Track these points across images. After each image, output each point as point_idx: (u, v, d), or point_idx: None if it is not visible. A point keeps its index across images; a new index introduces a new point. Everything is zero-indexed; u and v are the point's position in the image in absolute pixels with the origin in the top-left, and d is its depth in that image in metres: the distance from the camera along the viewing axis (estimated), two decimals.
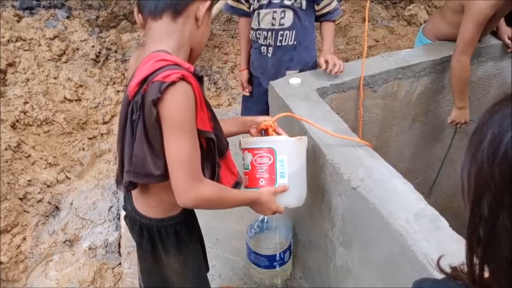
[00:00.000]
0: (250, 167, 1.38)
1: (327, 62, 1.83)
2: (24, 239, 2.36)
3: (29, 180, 2.50)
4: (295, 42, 1.98)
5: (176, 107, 1.03)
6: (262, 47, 2.01)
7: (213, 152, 1.21)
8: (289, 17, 1.91)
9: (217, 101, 3.44)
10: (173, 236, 1.31)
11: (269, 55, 2.01)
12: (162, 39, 1.11)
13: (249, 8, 1.98)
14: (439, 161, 2.42)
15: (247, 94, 2.22)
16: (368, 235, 1.33)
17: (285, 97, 1.79)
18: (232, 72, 3.60)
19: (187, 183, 1.08)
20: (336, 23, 4.22)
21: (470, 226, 0.53)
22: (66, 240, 2.40)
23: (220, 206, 1.25)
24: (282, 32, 1.94)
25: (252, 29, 2.02)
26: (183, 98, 1.03)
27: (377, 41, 4.14)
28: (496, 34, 2.18)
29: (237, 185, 1.37)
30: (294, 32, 1.94)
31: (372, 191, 1.30)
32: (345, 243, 1.50)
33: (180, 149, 1.06)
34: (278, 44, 1.97)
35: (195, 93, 1.06)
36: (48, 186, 2.58)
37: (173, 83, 1.01)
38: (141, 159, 1.11)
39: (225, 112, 3.39)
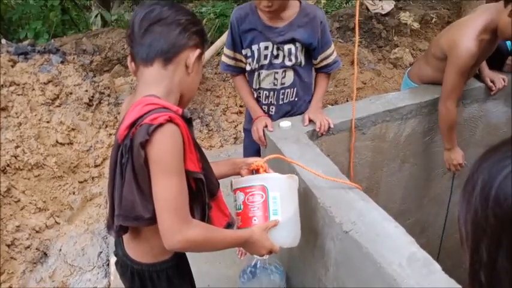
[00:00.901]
0: (242, 206, 1.37)
1: (310, 121, 1.88)
2: (11, 287, 2.29)
3: (18, 226, 2.46)
4: (295, 99, 1.99)
5: (163, 148, 1.04)
6: (264, 106, 2.01)
7: (202, 193, 1.20)
8: (290, 76, 1.93)
9: (209, 143, 3.46)
10: (165, 282, 1.29)
11: (272, 113, 2.01)
12: (153, 85, 1.14)
13: (245, 64, 1.97)
14: (429, 202, 2.44)
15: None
16: (362, 279, 1.32)
17: (276, 140, 1.82)
18: (224, 114, 3.66)
19: (173, 225, 1.07)
20: None
21: (471, 273, 0.54)
22: None
23: (210, 248, 1.22)
24: (283, 91, 1.96)
25: (252, 88, 2.01)
26: (170, 139, 1.05)
27: (364, 83, 4.25)
28: (479, 77, 2.26)
29: (229, 226, 1.36)
30: (295, 89, 1.96)
31: (364, 235, 1.30)
32: None
33: (167, 190, 1.05)
34: (280, 102, 1.99)
35: (183, 135, 1.08)
36: (37, 232, 2.54)
37: (161, 125, 1.03)
38: (130, 202, 1.11)
39: (217, 154, 3.41)
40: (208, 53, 3.52)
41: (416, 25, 5.75)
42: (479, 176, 0.51)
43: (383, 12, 5.88)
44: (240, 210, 1.37)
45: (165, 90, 1.15)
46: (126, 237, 1.30)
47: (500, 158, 0.51)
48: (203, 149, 3.11)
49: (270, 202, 1.35)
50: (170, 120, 1.04)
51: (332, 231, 1.42)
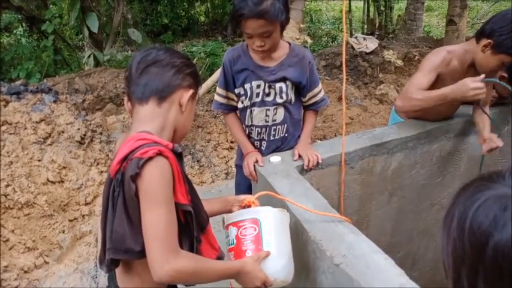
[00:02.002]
0: (235, 241, 1.38)
1: (300, 156, 1.93)
2: None
3: (6, 266, 2.42)
4: (286, 134, 2.06)
5: (152, 180, 1.07)
6: (256, 142, 2.06)
7: (191, 226, 1.21)
8: (281, 113, 2.00)
9: (200, 179, 3.49)
10: None
11: (263, 148, 2.07)
12: (147, 122, 1.20)
13: (237, 102, 2.04)
14: (419, 234, 2.47)
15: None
16: None
17: (267, 175, 1.86)
18: (215, 150, 3.70)
19: (161, 256, 1.07)
20: None
21: None
22: None
23: (199, 279, 1.21)
24: (274, 127, 2.02)
25: (244, 125, 2.06)
26: (159, 171, 1.08)
27: (352, 119, 4.36)
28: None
29: (220, 258, 1.38)
30: (286, 125, 2.03)
31: (354, 267, 1.32)
32: None
33: (155, 221, 1.07)
34: (271, 138, 2.05)
35: (172, 167, 1.11)
36: (25, 272, 2.50)
37: (150, 158, 1.07)
38: (121, 235, 1.13)
39: (208, 189, 3.43)
40: (200, 91, 3.60)
41: (400, 62, 5.97)
42: (456, 210, 0.56)
43: (367, 51, 6.11)
44: (233, 245, 1.38)
45: (159, 127, 1.20)
46: (118, 272, 1.30)
47: (473, 192, 0.56)
48: (194, 185, 3.14)
49: (263, 234, 1.36)
50: (160, 154, 1.08)
51: (323, 264, 1.43)
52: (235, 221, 1.41)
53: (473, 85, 1.84)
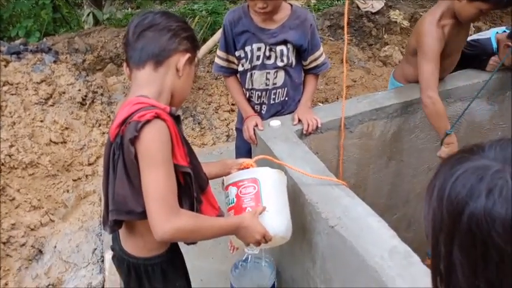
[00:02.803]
0: (235, 199, 1.41)
1: (299, 120, 1.94)
2: (6, 284, 2.33)
3: (13, 224, 2.50)
4: (286, 98, 2.05)
5: (150, 142, 1.10)
6: (256, 106, 2.06)
7: (190, 187, 1.24)
8: (281, 76, 1.98)
9: (201, 141, 3.51)
10: (160, 275, 1.35)
11: (263, 112, 2.07)
12: (144, 86, 1.21)
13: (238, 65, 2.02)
14: (416, 197, 2.51)
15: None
16: (347, 272, 1.39)
17: (266, 139, 1.88)
18: (217, 112, 3.71)
19: (162, 215, 1.10)
20: None
21: (432, 264, 0.62)
22: (49, 285, 2.38)
23: (200, 236, 1.25)
24: (275, 91, 2.01)
25: (244, 88, 2.05)
26: (157, 133, 1.10)
27: (354, 81, 4.32)
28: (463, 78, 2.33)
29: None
30: (286, 89, 2.02)
31: (348, 229, 1.36)
32: (326, 281, 1.54)
33: (154, 182, 1.10)
34: (272, 101, 2.04)
35: (170, 130, 1.13)
36: (32, 230, 2.58)
37: (148, 121, 1.09)
38: (122, 197, 1.17)
39: (209, 151, 3.46)
40: (201, 51, 3.56)
41: (406, 23, 5.82)
42: (437, 181, 0.59)
43: (373, 11, 5.95)
44: (233, 204, 1.42)
45: (156, 91, 1.21)
46: (122, 233, 1.35)
47: (453, 163, 0.58)
48: (196, 147, 3.17)
49: (262, 192, 1.40)
50: (157, 116, 1.10)
51: (319, 226, 1.48)
52: (235, 181, 1.44)
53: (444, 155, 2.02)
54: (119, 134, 1.13)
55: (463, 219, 0.54)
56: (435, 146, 2.44)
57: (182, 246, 1.46)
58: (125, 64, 1.27)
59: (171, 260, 1.39)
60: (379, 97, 2.18)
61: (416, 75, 2.21)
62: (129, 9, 9.40)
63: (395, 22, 5.79)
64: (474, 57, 2.31)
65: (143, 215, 1.15)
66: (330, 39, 5.40)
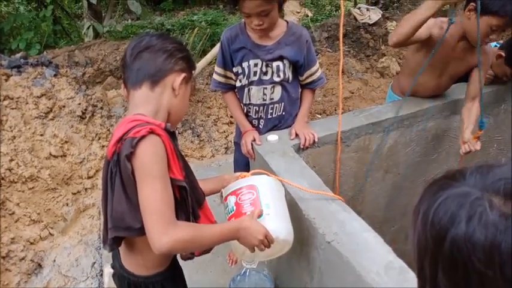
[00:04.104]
0: (234, 207, 1.42)
1: (296, 135, 1.97)
2: None
3: (12, 238, 2.51)
4: (283, 113, 2.07)
5: (146, 157, 1.11)
6: (254, 120, 2.09)
7: (186, 202, 1.25)
8: (278, 91, 2.01)
9: (200, 153, 3.54)
10: None
11: (261, 126, 2.09)
12: (141, 105, 1.23)
13: (235, 81, 2.05)
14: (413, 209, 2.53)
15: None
16: (344, 287, 1.40)
17: (264, 153, 1.90)
18: (215, 125, 3.73)
19: (159, 228, 1.10)
20: None
21: (419, 286, 0.64)
22: None
23: (199, 245, 1.24)
24: (272, 106, 2.04)
25: (242, 103, 2.08)
26: (152, 148, 1.12)
27: (352, 93, 4.36)
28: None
29: None
30: (283, 103, 2.05)
31: (345, 245, 1.38)
32: None
33: (151, 195, 1.11)
34: (269, 116, 2.07)
35: (165, 145, 1.15)
36: (31, 244, 2.59)
37: (143, 136, 1.11)
38: (120, 214, 1.18)
39: (208, 164, 3.48)
40: (199, 65, 3.61)
41: None
42: (421, 206, 0.61)
43: (370, 22, 6.01)
44: (233, 212, 1.41)
45: (153, 110, 1.23)
46: (122, 250, 1.37)
47: (436, 189, 0.60)
48: (195, 159, 3.17)
49: (261, 197, 1.41)
50: (152, 132, 1.12)
51: (316, 241, 1.50)
52: (233, 190, 1.46)
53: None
54: (116, 151, 1.15)
55: (445, 244, 0.56)
56: (431, 159, 2.47)
57: (181, 261, 1.48)
58: (122, 85, 1.30)
59: (172, 277, 1.40)
60: (375, 111, 2.21)
61: (415, 90, 2.24)
62: (129, 21, 9.50)
63: None
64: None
65: (141, 231, 1.16)
66: (328, 51, 5.45)
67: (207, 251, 1.39)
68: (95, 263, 2.57)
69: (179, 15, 10.72)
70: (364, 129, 2.12)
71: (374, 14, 6.17)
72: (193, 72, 1.36)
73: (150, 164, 1.11)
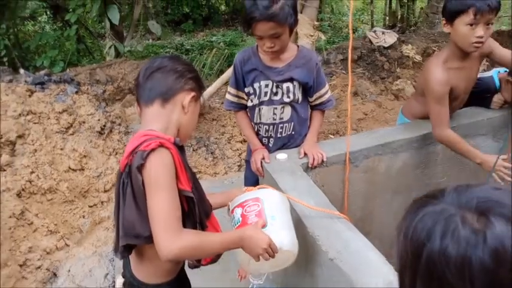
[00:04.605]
0: (240, 219, 1.47)
1: (305, 154, 2.03)
2: None
3: (30, 247, 2.60)
4: (293, 132, 2.15)
5: (155, 168, 1.19)
6: (264, 139, 2.16)
7: (193, 213, 1.32)
8: (287, 112, 2.09)
9: (213, 170, 3.61)
10: None
11: (270, 145, 2.17)
12: (153, 122, 1.32)
13: (247, 101, 2.13)
14: None
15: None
16: None
17: (272, 171, 1.96)
18: (229, 142, 3.81)
19: (166, 236, 1.16)
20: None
21: None
22: None
23: (204, 252, 1.30)
24: (281, 125, 2.11)
25: (253, 122, 2.16)
26: (161, 160, 1.20)
27: (366, 114, 4.40)
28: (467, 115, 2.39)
29: None
30: (292, 123, 2.12)
31: (347, 263, 1.41)
32: None
33: (159, 204, 1.18)
34: (278, 135, 2.14)
35: (174, 157, 1.23)
36: (48, 253, 2.67)
37: (153, 150, 1.19)
38: (130, 222, 1.25)
39: (221, 180, 3.55)
40: (215, 84, 3.71)
41: (418, 58, 5.92)
42: (403, 224, 0.66)
43: (386, 45, 6.08)
44: (239, 223, 1.47)
45: (163, 126, 1.32)
46: (132, 260, 1.43)
47: (416, 208, 0.65)
48: (208, 176, 3.26)
49: (266, 209, 1.46)
50: (161, 145, 1.20)
51: (319, 258, 1.53)
52: (240, 203, 1.51)
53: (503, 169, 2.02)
54: (128, 163, 1.23)
55: (422, 258, 0.61)
56: (441, 182, 2.48)
57: (190, 275, 1.53)
58: (135, 103, 1.39)
59: (180, 286, 1.46)
60: (385, 133, 2.25)
61: (423, 113, 2.29)
62: (150, 41, 9.78)
63: (408, 56, 5.89)
64: (477, 94, 2.37)
65: (150, 239, 1.22)
66: (343, 73, 5.53)
67: (213, 260, 1.45)
68: (107, 274, 2.63)
69: (199, 35, 11.00)
70: (373, 150, 2.16)
71: (389, 38, 6.24)
72: (202, 91, 1.44)
73: (158, 175, 1.19)
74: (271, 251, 1.34)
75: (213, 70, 6.41)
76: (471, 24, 1.90)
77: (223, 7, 12.86)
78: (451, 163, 2.42)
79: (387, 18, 10.36)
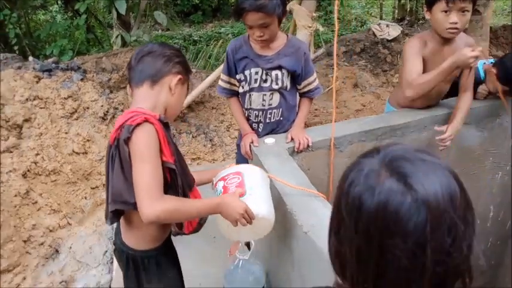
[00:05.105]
0: (222, 190, 1.60)
1: (292, 139, 2.14)
2: (24, 278, 2.57)
3: (34, 225, 2.75)
4: (281, 118, 2.25)
5: (140, 141, 1.31)
6: (254, 124, 2.27)
7: (175, 183, 1.43)
8: (276, 98, 2.19)
9: (212, 156, 3.73)
10: (154, 266, 1.55)
11: (260, 130, 2.27)
12: (142, 101, 1.45)
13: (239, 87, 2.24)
14: None
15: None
16: (318, 276, 1.54)
17: (260, 154, 2.07)
18: (228, 130, 3.93)
19: (148, 200, 1.28)
20: (327, 89, 4.59)
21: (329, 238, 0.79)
22: (62, 281, 2.60)
23: (183, 215, 1.41)
24: (270, 111, 2.22)
25: (244, 108, 2.26)
26: (146, 134, 1.32)
27: (364, 106, 4.48)
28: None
29: None
30: (281, 109, 2.22)
31: (321, 237, 1.52)
32: (303, 283, 1.69)
33: (142, 173, 1.30)
34: (267, 121, 2.24)
35: (158, 132, 1.35)
36: (51, 231, 2.82)
37: (138, 124, 1.31)
38: (118, 190, 1.38)
39: (218, 167, 3.65)
40: (215, 73, 3.81)
41: None
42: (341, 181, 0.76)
43: (389, 38, 6.12)
44: (221, 194, 1.59)
45: (151, 105, 1.44)
46: (122, 228, 1.56)
47: (353, 163, 0.75)
48: (206, 162, 3.42)
49: (246, 181, 1.59)
50: (146, 121, 1.32)
51: (296, 232, 1.65)
52: (222, 176, 1.65)
53: (472, 54, 1.98)
54: (116, 137, 1.35)
55: (342, 205, 0.71)
56: None
57: (181, 257, 1.68)
58: (128, 85, 1.51)
59: (165, 253, 1.59)
60: (369, 120, 2.35)
61: (408, 102, 2.38)
62: (159, 31, 9.90)
63: None
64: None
65: (136, 205, 1.33)
66: (345, 65, 5.60)
67: (195, 229, 1.57)
68: (106, 251, 2.77)
69: (207, 27, 11.09)
70: (357, 137, 2.25)
71: (393, 31, 6.27)
72: (188, 75, 1.56)
73: (143, 147, 1.31)
74: (247, 217, 1.46)
75: (219, 61, 6.50)
76: (446, 11, 2.04)
77: None
78: (435, 151, 2.50)
79: (396, 11, 10.32)
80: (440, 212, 0.64)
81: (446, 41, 2.17)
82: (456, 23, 2.05)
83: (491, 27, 5.79)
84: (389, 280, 0.68)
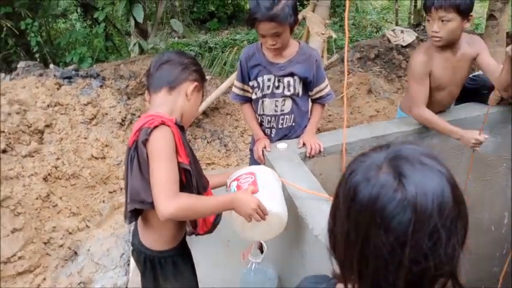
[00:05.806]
0: (236, 189, 1.64)
1: (304, 144, 2.18)
2: (44, 279, 2.65)
3: (54, 227, 2.84)
4: (293, 124, 2.30)
5: (157, 142, 1.38)
6: (266, 129, 2.32)
7: (190, 185, 1.49)
8: (288, 104, 2.24)
9: (226, 162, 3.79)
10: (171, 266, 1.61)
11: (272, 135, 2.33)
12: (159, 106, 1.52)
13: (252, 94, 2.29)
14: None
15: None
16: None
17: (272, 159, 2.11)
18: (242, 136, 3.99)
19: (164, 197, 1.34)
20: (341, 95, 4.62)
21: (329, 231, 0.83)
22: (80, 283, 2.68)
23: (198, 212, 1.46)
24: (283, 117, 2.27)
25: (257, 114, 2.32)
26: (163, 136, 1.39)
27: (378, 111, 4.49)
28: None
29: (218, 215, 1.65)
30: (293, 115, 2.27)
31: None
32: None
33: (159, 173, 1.36)
34: (280, 126, 2.30)
35: (174, 134, 1.41)
36: (70, 233, 2.91)
37: (156, 127, 1.37)
38: (136, 190, 1.45)
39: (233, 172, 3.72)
40: (230, 79, 3.88)
41: None
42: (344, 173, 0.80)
43: (404, 44, 6.12)
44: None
45: (168, 110, 1.51)
46: (140, 228, 1.63)
47: (357, 157, 0.79)
48: (220, 167, 3.51)
49: (258, 181, 1.63)
50: (163, 123, 1.39)
51: (307, 235, 1.68)
52: (235, 177, 1.70)
53: (478, 138, 2.17)
54: (135, 140, 1.42)
55: (348, 188, 0.75)
56: None
57: (196, 261, 1.75)
58: (146, 91, 1.59)
59: (181, 253, 1.66)
60: (381, 126, 2.37)
61: None
62: (176, 39, 10.06)
63: None
64: (475, 91, 2.46)
65: (153, 204, 1.39)
66: (359, 71, 5.61)
67: (210, 230, 1.63)
68: (123, 253, 2.85)
69: (223, 34, 11.21)
70: (369, 142, 2.28)
71: (408, 36, 6.27)
72: (204, 82, 1.62)
73: (159, 148, 1.38)
74: (260, 212, 1.50)
75: (234, 68, 6.58)
76: (429, 20, 2.15)
77: (248, 6, 13.02)
78: (447, 157, 2.51)
79: (412, 16, 10.29)
80: (426, 216, 0.67)
81: (448, 45, 2.22)
82: (437, 32, 2.13)
83: (507, 33, 5.74)
84: (370, 268, 0.71)
